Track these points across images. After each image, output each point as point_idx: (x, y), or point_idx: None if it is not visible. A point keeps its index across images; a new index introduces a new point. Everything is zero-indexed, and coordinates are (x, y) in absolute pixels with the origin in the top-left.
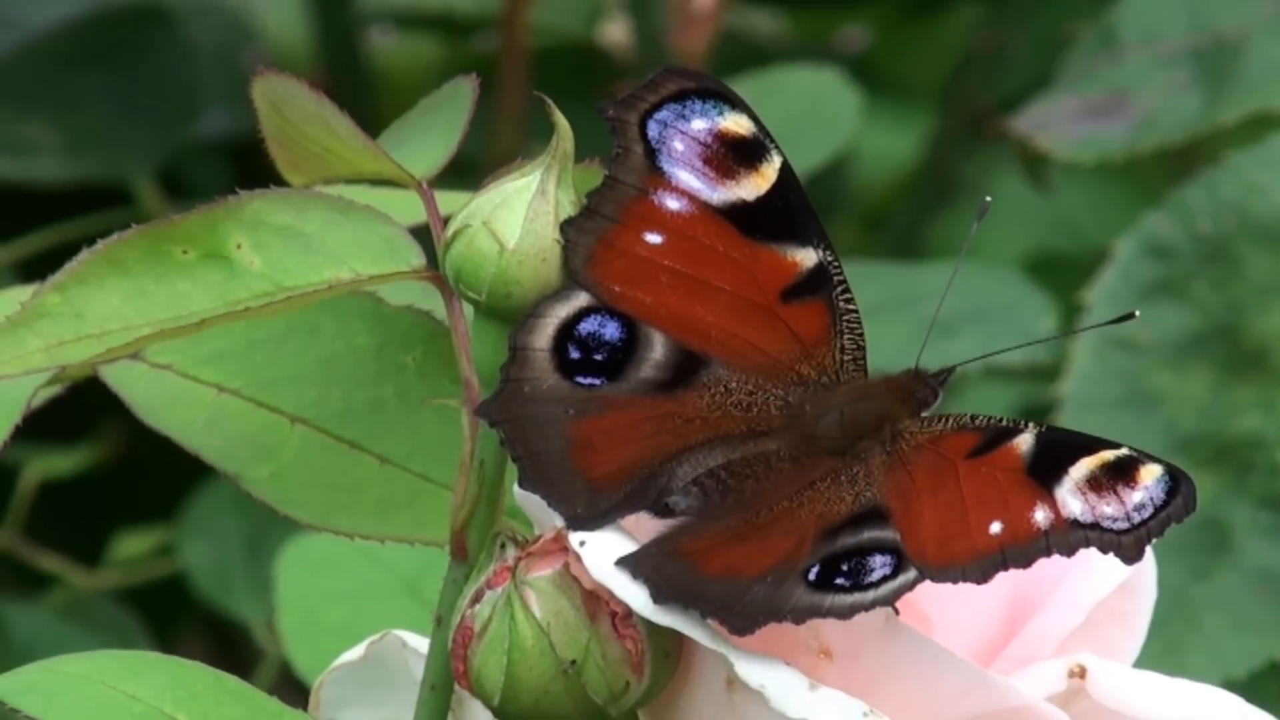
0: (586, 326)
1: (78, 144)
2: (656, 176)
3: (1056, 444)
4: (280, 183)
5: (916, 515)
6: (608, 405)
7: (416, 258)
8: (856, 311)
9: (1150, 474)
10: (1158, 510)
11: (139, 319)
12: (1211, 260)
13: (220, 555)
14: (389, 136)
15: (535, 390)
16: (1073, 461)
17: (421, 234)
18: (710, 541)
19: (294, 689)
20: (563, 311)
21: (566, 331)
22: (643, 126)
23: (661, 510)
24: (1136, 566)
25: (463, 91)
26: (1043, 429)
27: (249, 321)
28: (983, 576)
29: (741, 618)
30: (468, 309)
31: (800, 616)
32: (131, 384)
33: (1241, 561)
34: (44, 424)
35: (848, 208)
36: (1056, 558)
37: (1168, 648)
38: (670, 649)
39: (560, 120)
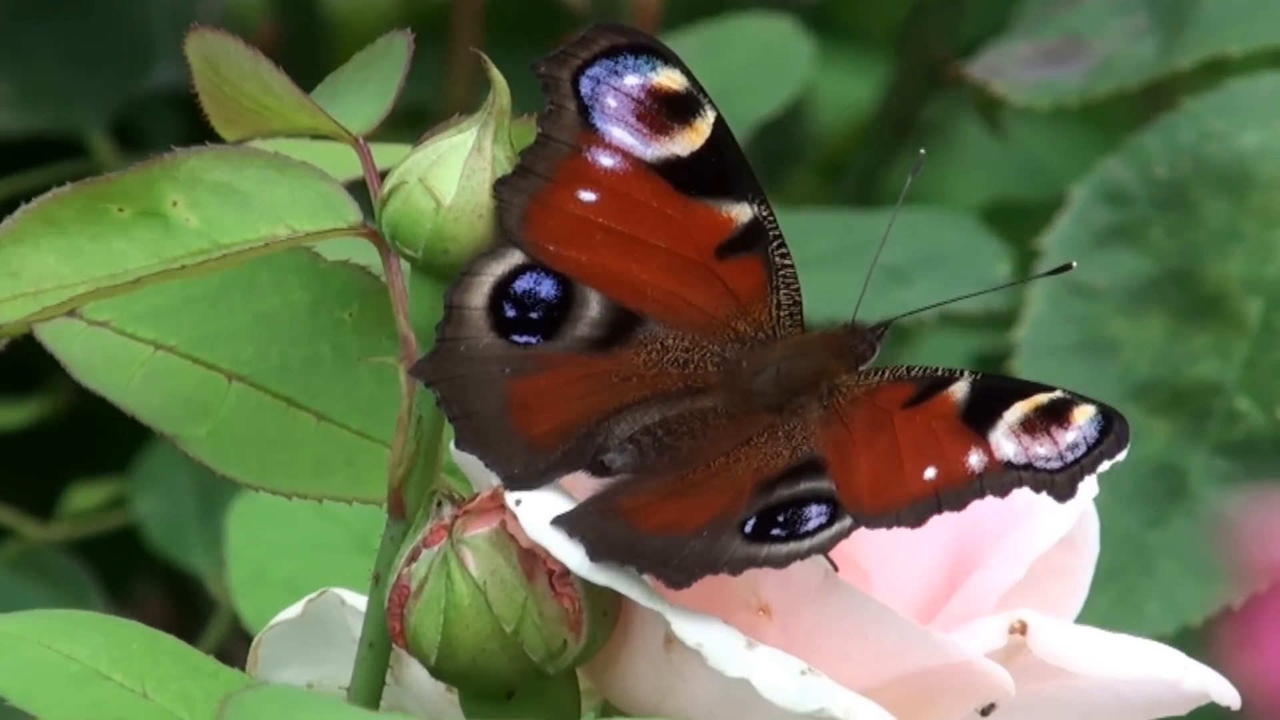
0: (522, 285)
1: (30, 96)
2: (589, 133)
3: (991, 390)
4: (219, 138)
5: (852, 465)
6: (544, 364)
7: (353, 214)
8: (792, 266)
9: (1083, 414)
10: (1090, 448)
11: (74, 277)
12: (1167, 206)
13: (173, 507)
14: (324, 91)
15: (471, 349)
16: (1006, 406)
17: (360, 189)
18: (646, 499)
19: (248, 641)
20: (498, 269)
21: (502, 290)
22: (575, 83)
23: (598, 469)
24: (1079, 521)
25: (398, 46)
26: (978, 376)
27: (186, 279)
28: (916, 520)
29: (678, 571)
30: (405, 266)
31: (737, 567)
32: (69, 342)
33: (1197, 508)
34: None
35: (806, 156)
36: (998, 511)
37: (1123, 595)
38: (608, 608)
39: (497, 76)
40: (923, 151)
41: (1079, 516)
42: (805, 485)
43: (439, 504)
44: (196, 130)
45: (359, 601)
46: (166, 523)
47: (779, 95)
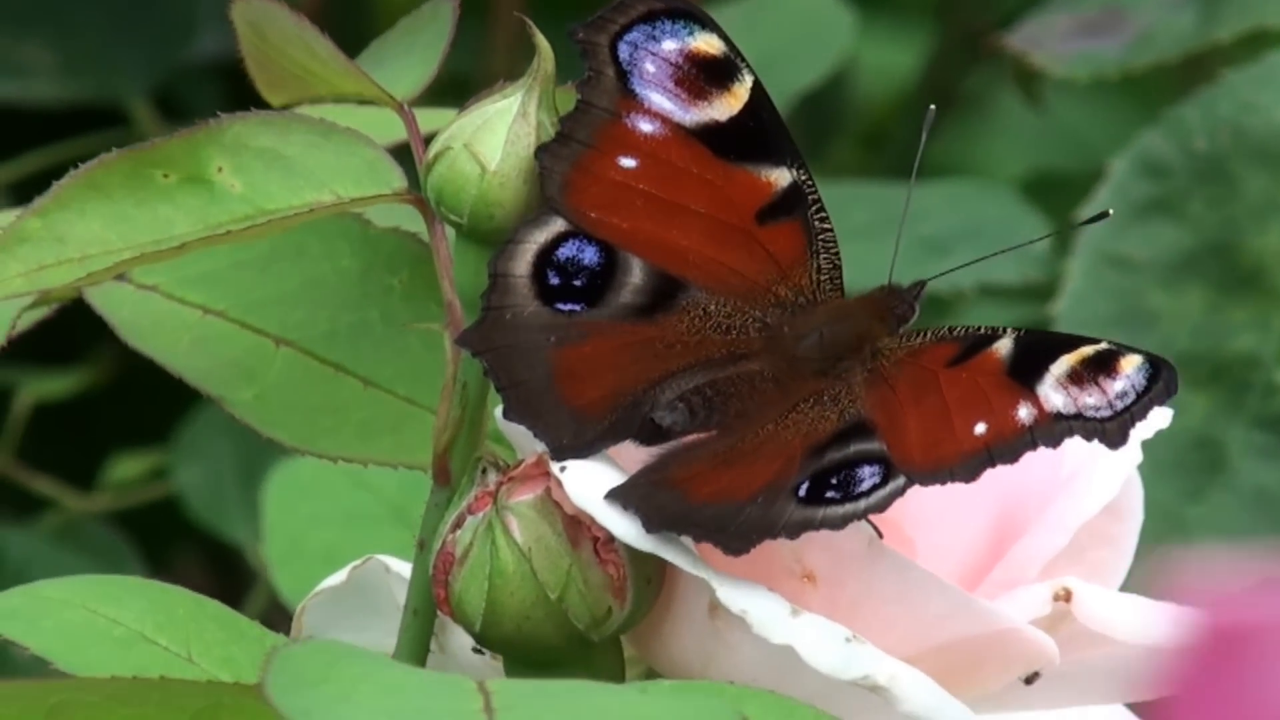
0: (565, 252)
1: (73, 65)
2: (629, 99)
3: (1036, 344)
4: (265, 105)
5: (902, 425)
6: (589, 332)
7: (398, 180)
8: (832, 230)
9: (1130, 363)
10: (1140, 395)
11: (120, 243)
12: (1207, 178)
13: (214, 478)
14: (369, 56)
15: (516, 318)
16: (1053, 359)
17: (404, 154)
18: (699, 468)
19: (288, 611)
20: (541, 237)
21: (545, 257)
22: (613, 49)
23: (648, 433)
24: (1123, 488)
25: (443, 12)
26: (1021, 332)
27: (234, 244)
28: (970, 475)
29: (735, 538)
30: (450, 231)
31: (794, 531)
32: (118, 305)
33: (1235, 481)
34: (37, 347)
35: (847, 127)
36: (1043, 478)
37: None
38: (652, 575)
39: (541, 42)
40: (932, 107)
41: (1123, 484)
42: (856, 447)
43: (484, 470)
44: (238, 100)
45: (403, 568)
46: (207, 494)
47: (820, 66)
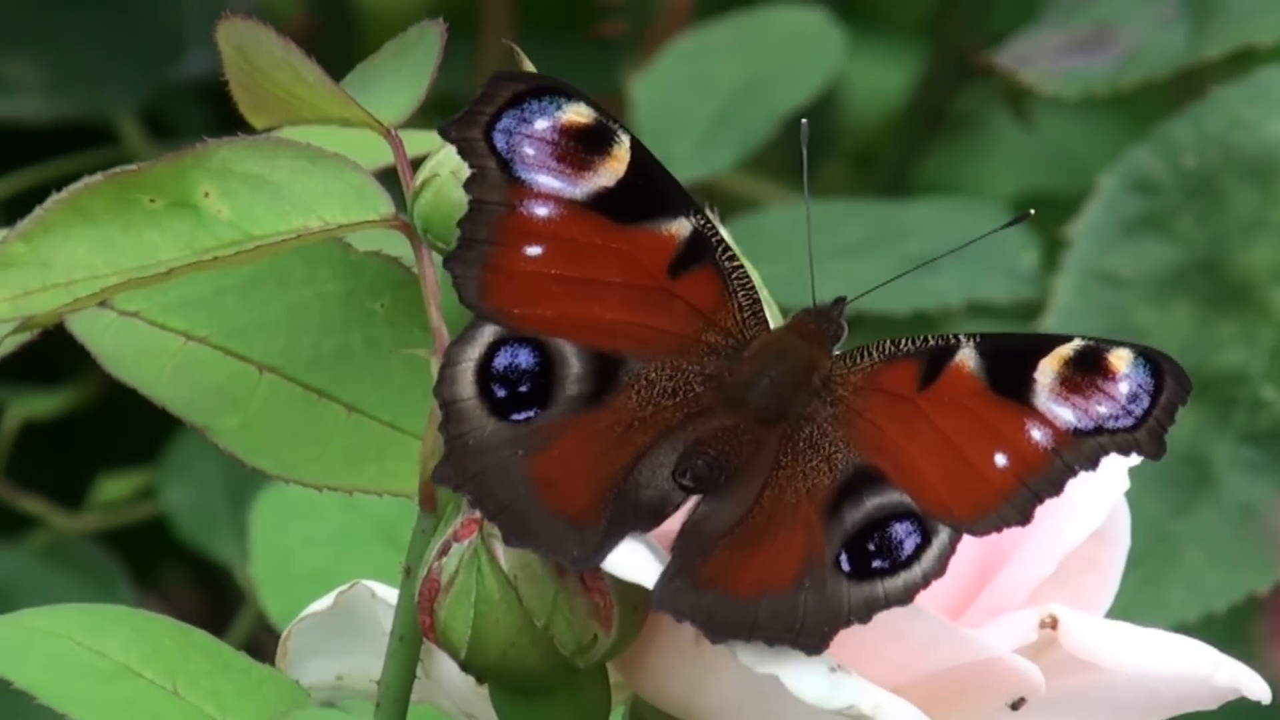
0: (500, 362)
1: (61, 83)
2: (517, 187)
3: (1003, 352)
4: (249, 128)
5: (909, 467)
6: (551, 435)
7: (385, 206)
8: (743, 266)
9: (1123, 360)
10: (1155, 396)
11: (106, 268)
12: (1196, 195)
13: (202, 498)
14: (355, 80)
15: (479, 441)
16: (1031, 366)
17: (390, 177)
18: (722, 556)
19: (276, 632)
20: (474, 353)
21: (484, 373)
22: (489, 140)
23: (646, 517)
24: (1110, 515)
25: (430, 35)
26: (975, 339)
27: (217, 269)
28: (1020, 517)
29: (808, 635)
30: (437, 257)
31: (863, 614)
32: (99, 333)
33: (1222, 496)
34: (25, 366)
35: (837, 146)
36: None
37: (1147, 583)
38: (638, 602)
39: (528, 66)
40: (804, 121)
41: (1110, 511)
42: (873, 502)
43: None
44: (226, 120)
45: (389, 594)
46: (195, 513)
47: (811, 86)
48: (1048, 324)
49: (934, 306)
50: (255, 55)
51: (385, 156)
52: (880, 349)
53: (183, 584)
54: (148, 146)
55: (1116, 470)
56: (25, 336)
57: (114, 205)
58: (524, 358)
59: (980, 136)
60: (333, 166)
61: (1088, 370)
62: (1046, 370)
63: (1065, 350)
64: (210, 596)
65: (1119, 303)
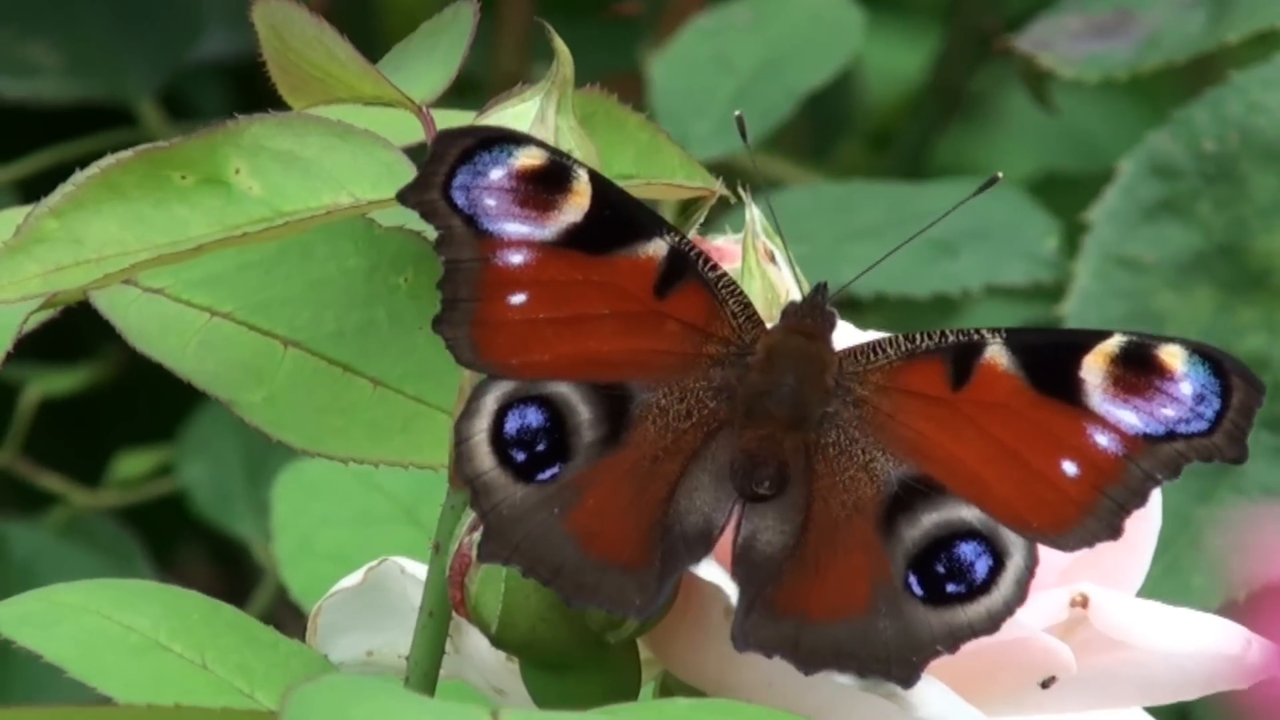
0: (511, 426)
1: (80, 64)
2: (487, 240)
3: (1039, 349)
4: (281, 106)
5: (966, 475)
6: (581, 487)
7: None
8: (725, 273)
9: (1176, 357)
10: (1224, 398)
11: (136, 244)
12: (1215, 179)
13: (220, 475)
14: (390, 60)
15: (513, 510)
16: (1074, 364)
17: (420, 156)
18: (792, 583)
19: (293, 607)
20: (483, 424)
21: (499, 441)
22: (448, 199)
23: (697, 549)
24: None
25: (463, 15)
26: (1001, 334)
27: (243, 245)
28: (1110, 531)
29: (899, 666)
30: None
31: (949, 644)
32: (124, 309)
33: (1244, 482)
34: (44, 343)
35: (855, 127)
36: None
37: (1169, 569)
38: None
39: (560, 46)
40: (738, 113)
41: None
42: (931, 518)
43: None
44: (244, 100)
45: (419, 570)
46: (213, 490)
47: (829, 66)
48: (1068, 308)
49: (954, 290)
50: (289, 35)
51: (415, 135)
52: (894, 345)
53: (199, 561)
54: (166, 127)
55: None
56: (49, 313)
57: (145, 182)
58: (533, 417)
59: (996, 118)
60: (363, 143)
61: (1140, 369)
62: (1093, 369)
63: (1109, 347)
64: (227, 574)
65: (1139, 287)
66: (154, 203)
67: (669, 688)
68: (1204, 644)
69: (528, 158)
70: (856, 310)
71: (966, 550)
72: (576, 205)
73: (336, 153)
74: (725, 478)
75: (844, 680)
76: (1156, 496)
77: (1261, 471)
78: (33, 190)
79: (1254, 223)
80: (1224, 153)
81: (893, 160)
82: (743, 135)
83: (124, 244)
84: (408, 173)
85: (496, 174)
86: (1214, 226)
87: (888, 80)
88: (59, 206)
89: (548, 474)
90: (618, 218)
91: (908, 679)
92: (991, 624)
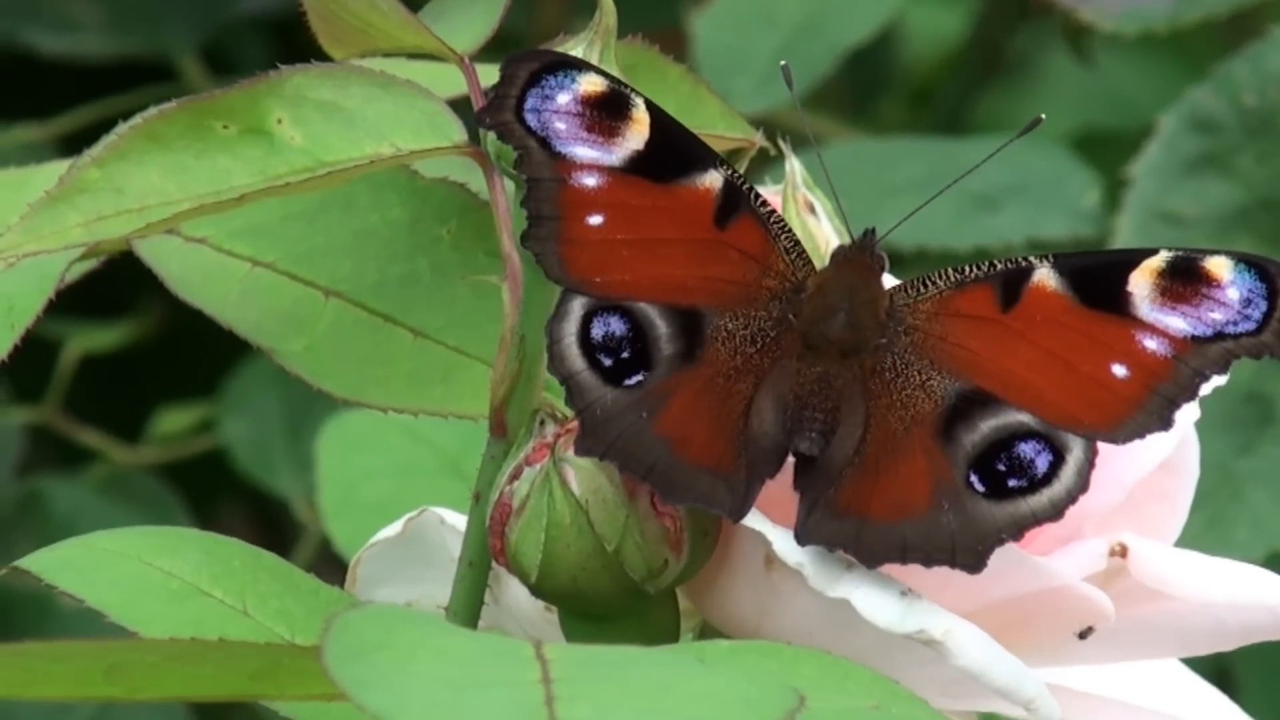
0: (597, 332)
1: (121, 20)
2: (562, 162)
3: (1086, 270)
4: (321, 59)
5: (1019, 384)
6: (666, 394)
7: (458, 133)
8: (774, 210)
9: (1222, 266)
10: (1272, 299)
11: (178, 194)
12: (1256, 133)
13: (261, 431)
14: (431, 10)
15: (605, 411)
16: (1121, 280)
17: (462, 108)
18: (853, 485)
19: (333, 564)
20: (571, 328)
21: (586, 344)
22: (522, 121)
23: (774, 458)
24: (1179, 445)
25: None
26: (1049, 259)
27: (283, 196)
28: (1162, 422)
29: (964, 554)
30: (509, 184)
31: (1013, 531)
32: (166, 258)
33: None
34: (85, 300)
35: (896, 84)
36: None
37: (1211, 522)
38: (709, 527)
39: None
40: (784, 63)
41: (1179, 441)
42: (989, 424)
43: (541, 422)
44: (284, 55)
45: (458, 520)
46: (254, 447)
47: (870, 24)
48: None
49: (995, 244)
50: None
51: (456, 88)
52: (943, 277)
53: (239, 518)
54: (207, 82)
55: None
56: (90, 264)
57: (188, 132)
58: (616, 325)
59: (1036, 76)
60: (405, 94)
61: (1186, 279)
62: (1140, 283)
63: (1155, 263)
64: (267, 531)
65: (1181, 242)
66: (196, 153)
67: (707, 638)
68: (1243, 594)
69: (589, 84)
70: (898, 264)
71: (1026, 449)
72: (638, 133)
73: (379, 103)
74: (789, 401)
75: (818, 577)
76: (1195, 450)
77: None
78: (74, 146)
79: None
80: (1265, 107)
81: (933, 118)
82: (789, 85)
83: (166, 194)
84: (449, 123)
85: (563, 98)
86: (1255, 180)
87: (928, 39)
88: (101, 156)
89: (633, 380)
90: (676, 147)
91: (974, 565)
92: (1055, 511)
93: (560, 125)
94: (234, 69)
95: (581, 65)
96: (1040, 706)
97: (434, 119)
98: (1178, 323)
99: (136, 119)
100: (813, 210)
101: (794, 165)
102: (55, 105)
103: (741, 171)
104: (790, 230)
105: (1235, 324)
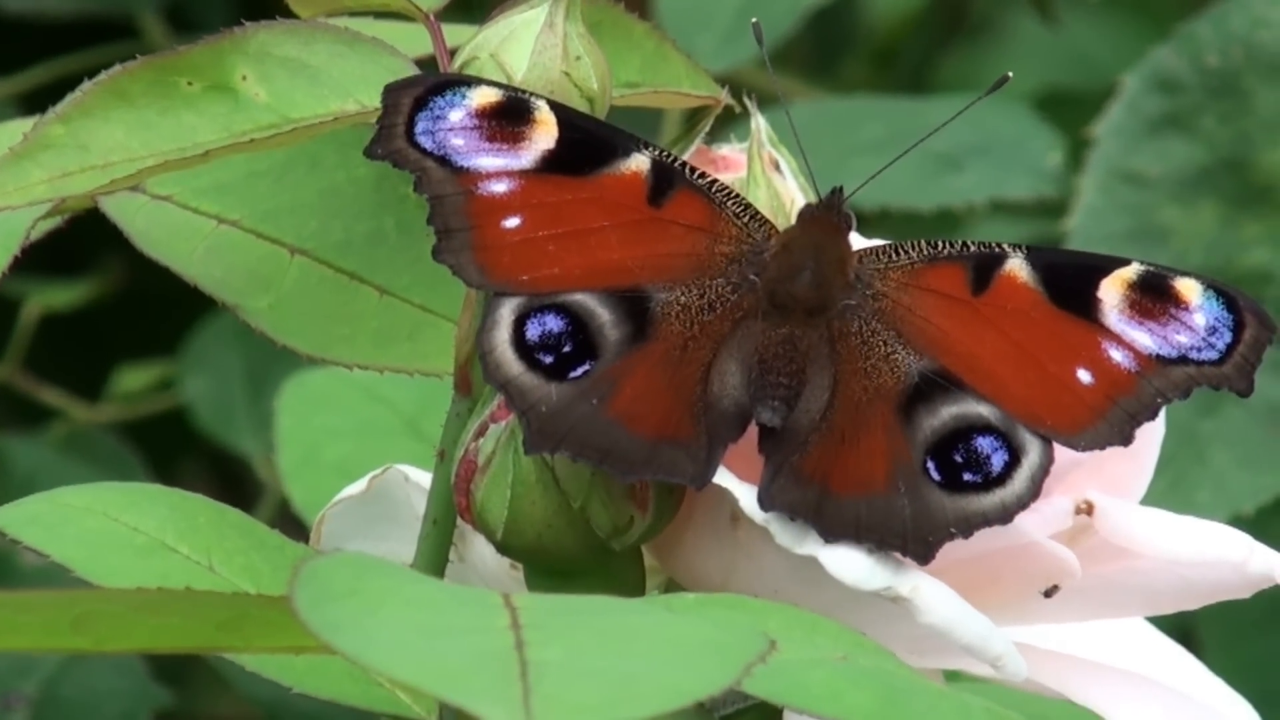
0: (533, 333)
1: None
2: (464, 174)
3: (1059, 268)
4: (288, 17)
5: (985, 372)
6: (617, 377)
7: None
8: (714, 179)
9: (1191, 290)
10: (1236, 332)
11: (143, 150)
12: (1219, 94)
13: (221, 389)
14: None
15: (551, 406)
16: (1092, 284)
17: (429, 67)
18: (817, 453)
19: (295, 523)
20: (503, 335)
21: (523, 348)
22: (415, 145)
23: (737, 422)
24: None
25: None
26: (1023, 250)
27: (248, 154)
28: (1122, 437)
29: (915, 544)
30: None
31: (963, 528)
32: (132, 215)
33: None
34: (45, 257)
35: (858, 44)
36: None
37: (1174, 483)
38: (675, 485)
39: None
40: (755, 20)
41: None
42: (950, 410)
43: None
44: (247, 14)
45: (422, 478)
46: (215, 405)
47: None
48: (1073, 223)
49: (958, 204)
50: None
51: (423, 47)
52: (916, 248)
53: (200, 476)
54: (169, 40)
55: None
56: (53, 222)
57: (152, 89)
58: (552, 322)
59: (999, 36)
60: (371, 50)
61: (1156, 296)
62: (1110, 291)
63: (1127, 273)
64: (228, 489)
65: (1144, 202)
66: (161, 109)
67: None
68: (1208, 551)
69: (482, 97)
70: (861, 223)
71: (983, 443)
72: (545, 134)
73: (344, 60)
74: (753, 363)
75: (784, 534)
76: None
77: (1266, 386)
78: (34, 104)
79: (1258, 137)
80: (1227, 67)
81: (896, 78)
82: (759, 42)
83: (130, 150)
84: None
85: (456, 115)
86: (1218, 141)
87: None
88: (66, 113)
89: (579, 371)
90: (591, 140)
91: (924, 556)
92: (1004, 514)
93: (458, 141)
94: (197, 27)
95: (471, 81)
96: (1007, 663)
97: (399, 75)
98: (1144, 338)
99: (101, 76)
100: (778, 168)
101: (760, 123)
102: (18, 62)
103: (695, 141)
104: (737, 195)
105: (1199, 350)
